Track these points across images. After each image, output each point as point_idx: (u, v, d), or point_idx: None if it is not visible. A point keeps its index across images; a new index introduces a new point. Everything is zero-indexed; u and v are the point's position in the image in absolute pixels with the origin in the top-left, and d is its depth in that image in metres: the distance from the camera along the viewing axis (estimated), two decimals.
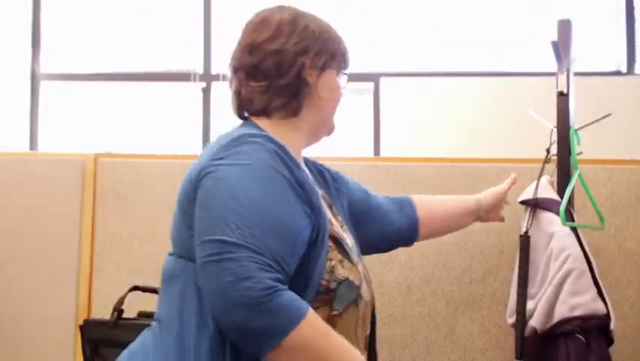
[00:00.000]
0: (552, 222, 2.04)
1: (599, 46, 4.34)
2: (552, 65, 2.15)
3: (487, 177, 2.43)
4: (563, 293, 1.96)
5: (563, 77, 2.12)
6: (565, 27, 2.13)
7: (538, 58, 4.14)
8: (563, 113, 2.13)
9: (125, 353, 1.42)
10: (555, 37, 2.13)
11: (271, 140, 1.35)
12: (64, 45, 4.68)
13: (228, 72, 1.57)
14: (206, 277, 1.22)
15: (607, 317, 1.96)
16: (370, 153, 4.31)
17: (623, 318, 2.33)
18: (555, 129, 2.14)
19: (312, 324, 1.24)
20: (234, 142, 1.33)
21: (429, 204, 1.90)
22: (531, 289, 2.08)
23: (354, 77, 4.88)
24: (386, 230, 1.78)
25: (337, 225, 1.52)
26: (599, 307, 1.95)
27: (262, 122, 1.47)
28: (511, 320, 2.12)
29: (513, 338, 2.34)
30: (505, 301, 2.23)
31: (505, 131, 4.03)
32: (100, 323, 2.21)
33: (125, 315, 2.19)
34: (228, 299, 1.18)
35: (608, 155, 2.54)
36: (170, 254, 1.45)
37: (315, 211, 1.35)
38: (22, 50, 4.57)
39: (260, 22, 1.50)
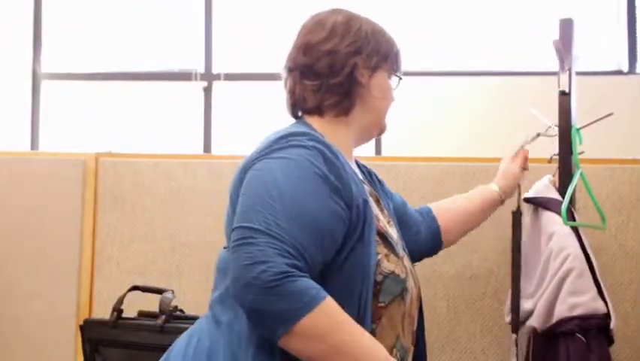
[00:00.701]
0: (553, 222, 2.04)
1: (601, 45, 4.33)
2: (554, 65, 2.15)
3: (488, 177, 2.43)
4: (563, 293, 1.96)
5: (564, 77, 2.12)
6: (566, 26, 2.13)
7: (539, 57, 4.13)
8: (565, 112, 2.12)
9: (183, 335, 1.47)
10: (557, 37, 2.13)
11: (315, 138, 1.39)
12: (66, 44, 4.68)
13: (283, 73, 1.61)
14: (231, 260, 1.27)
15: (607, 316, 1.96)
16: (372, 153, 4.31)
17: (624, 318, 2.33)
18: (554, 127, 2.13)
19: (328, 313, 1.24)
20: (280, 139, 1.39)
21: (447, 210, 1.93)
22: (529, 288, 2.08)
23: None
24: (416, 239, 1.81)
25: (384, 220, 1.55)
26: (599, 306, 1.95)
27: (314, 121, 1.52)
28: (509, 318, 2.12)
29: None
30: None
31: (506, 131, 4.01)
32: (99, 323, 2.21)
33: (125, 315, 2.19)
34: (242, 281, 1.22)
35: (610, 154, 2.53)
36: (225, 248, 1.48)
37: (354, 208, 1.38)
38: (24, 50, 4.57)
39: (315, 24, 1.56)
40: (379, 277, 1.41)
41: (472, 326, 2.42)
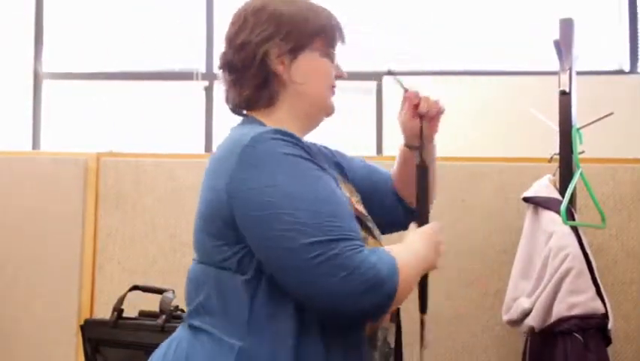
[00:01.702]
0: (552, 221, 2.04)
1: (601, 44, 4.33)
2: (554, 64, 2.15)
3: (489, 176, 2.44)
4: (562, 292, 1.96)
5: (565, 76, 2.12)
6: (567, 26, 2.13)
7: (540, 57, 4.13)
8: (565, 112, 2.12)
9: (162, 344, 1.46)
10: (557, 36, 2.13)
11: (280, 131, 1.34)
12: (67, 44, 4.68)
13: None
14: (316, 280, 1.24)
15: (605, 316, 1.96)
16: (373, 152, 4.31)
17: (625, 318, 2.33)
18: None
19: (401, 264, 1.30)
20: (250, 147, 1.32)
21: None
22: (528, 287, 2.08)
23: (357, 76, 4.86)
24: (388, 209, 1.77)
25: (355, 201, 1.53)
26: (597, 306, 1.95)
27: (255, 115, 1.49)
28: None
29: (516, 337, 2.34)
30: None
31: (506, 131, 4.02)
32: (100, 323, 2.21)
33: (126, 314, 2.20)
34: (351, 292, 1.23)
35: (611, 154, 2.53)
36: (194, 259, 1.45)
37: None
38: (25, 49, 4.57)
39: (234, 16, 1.51)
40: None
41: (473, 325, 2.42)
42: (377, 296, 1.25)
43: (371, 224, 1.51)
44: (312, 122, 1.56)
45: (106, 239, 2.66)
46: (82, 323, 2.25)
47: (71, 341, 2.61)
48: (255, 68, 1.44)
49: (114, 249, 2.64)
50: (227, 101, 1.53)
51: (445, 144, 4.07)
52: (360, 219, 1.44)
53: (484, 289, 2.42)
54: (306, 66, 1.47)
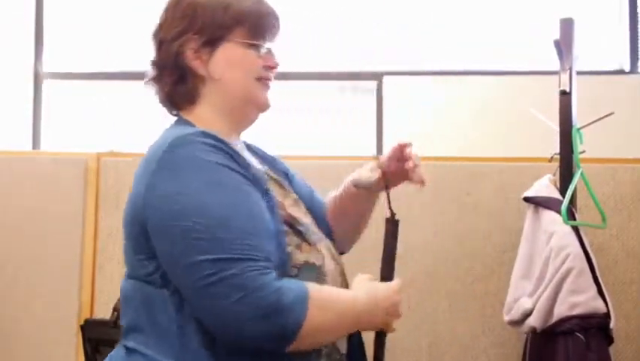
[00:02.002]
0: (553, 221, 2.04)
1: (602, 44, 4.33)
2: (554, 64, 2.15)
3: (489, 176, 2.44)
4: (563, 292, 1.96)
5: (565, 76, 2.12)
6: (567, 26, 2.13)
7: (540, 57, 4.13)
8: (566, 112, 2.12)
9: None
10: (557, 36, 2.13)
11: (204, 134, 1.27)
12: (67, 44, 4.68)
13: None
14: (210, 300, 1.17)
15: (607, 315, 1.96)
16: (373, 152, 4.31)
17: (625, 317, 2.33)
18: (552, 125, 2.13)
19: (316, 302, 1.21)
20: (168, 152, 1.25)
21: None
22: (529, 287, 2.08)
23: (357, 76, 4.87)
24: None
25: (289, 203, 1.44)
26: (598, 305, 1.95)
27: (183, 114, 1.42)
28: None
29: (516, 337, 2.34)
30: None
31: (507, 131, 4.02)
32: (100, 323, 2.22)
33: None
34: (244, 316, 1.15)
35: (611, 154, 2.53)
36: (132, 278, 1.35)
37: (265, 197, 1.31)
38: (25, 49, 4.57)
39: (161, 12, 1.45)
40: (294, 271, 1.30)
41: (474, 325, 2.42)
42: (274, 325, 1.16)
43: (304, 228, 1.39)
44: (242, 119, 1.45)
45: (106, 239, 2.66)
46: (82, 322, 2.26)
47: (71, 341, 2.61)
48: (171, 65, 1.38)
49: (114, 249, 2.64)
50: (161, 102, 1.46)
51: (445, 144, 4.10)
52: (290, 224, 1.35)
53: (484, 289, 2.42)
54: (223, 59, 1.38)
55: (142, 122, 4.54)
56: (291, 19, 4.93)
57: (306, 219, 1.43)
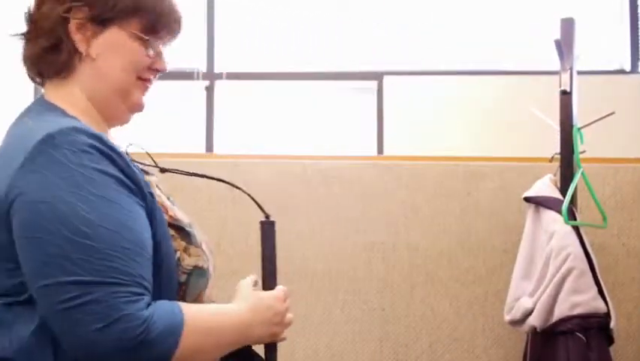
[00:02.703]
0: (553, 221, 2.04)
1: (603, 44, 4.33)
2: (555, 64, 2.15)
3: (490, 176, 2.44)
4: (564, 292, 1.96)
5: (566, 76, 2.12)
6: (568, 26, 2.13)
7: (541, 57, 4.13)
8: (566, 111, 2.12)
9: None
10: (558, 36, 2.13)
11: (80, 130, 1.12)
12: None
13: None
14: (68, 326, 1.03)
15: (607, 315, 1.96)
16: (374, 152, 4.31)
17: (626, 317, 2.33)
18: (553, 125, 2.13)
19: (191, 328, 1.11)
20: (38, 150, 1.09)
21: None
22: (530, 287, 2.08)
23: (357, 76, 4.86)
24: None
25: (169, 204, 1.33)
26: (599, 305, 1.95)
27: (52, 90, 1.27)
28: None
29: (517, 337, 2.34)
30: None
31: (507, 130, 4.02)
32: None
33: None
34: (104, 347, 1.02)
35: (612, 153, 2.53)
36: None
37: (148, 202, 1.18)
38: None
39: None
40: (183, 278, 1.22)
41: (474, 325, 2.42)
42: (139, 359, 1.04)
43: (190, 230, 1.28)
44: (110, 113, 1.30)
45: None
46: None
47: None
48: (49, 27, 1.24)
49: None
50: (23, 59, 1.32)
51: (445, 143, 4.11)
52: (176, 227, 1.25)
53: (484, 289, 2.42)
54: (109, 43, 1.24)
55: (142, 122, 4.54)
56: (291, 19, 4.95)
57: (186, 219, 1.32)
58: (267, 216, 1.43)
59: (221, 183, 1.50)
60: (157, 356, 1.06)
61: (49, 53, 1.25)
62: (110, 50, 1.25)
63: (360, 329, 2.46)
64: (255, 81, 4.53)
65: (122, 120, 1.34)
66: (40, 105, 1.26)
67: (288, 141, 4.40)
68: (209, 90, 4.51)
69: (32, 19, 1.28)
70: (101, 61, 1.24)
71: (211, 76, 4.50)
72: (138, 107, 1.33)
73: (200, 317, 1.15)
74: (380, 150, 4.30)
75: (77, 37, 1.23)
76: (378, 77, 4.38)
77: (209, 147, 4.37)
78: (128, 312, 1.03)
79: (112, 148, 1.14)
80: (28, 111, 1.26)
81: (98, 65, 1.24)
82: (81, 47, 1.23)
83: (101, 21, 1.23)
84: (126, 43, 1.25)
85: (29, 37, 1.29)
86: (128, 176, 1.14)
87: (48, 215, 1.05)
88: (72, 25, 1.23)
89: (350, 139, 4.43)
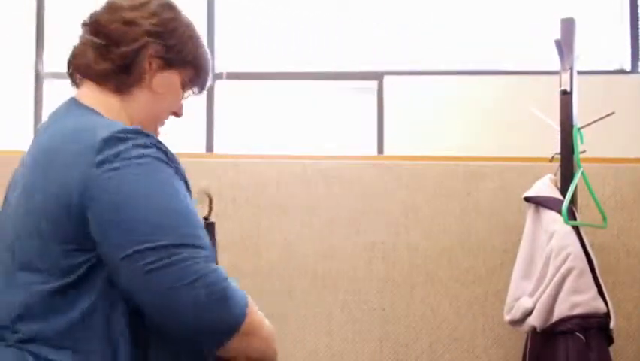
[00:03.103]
0: (553, 221, 2.04)
1: (603, 44, 4.33)
2: (555, 64, 2.15)
3: (490, 176, 2.44)
4: (563, 292, 1.96)
5: (566, 76, 2.12)
6: (568, 26, 2.13)
7: (541, 56, 4.13)
8: (566, 111, 2.12)
9: None
10: (558, 36, 2.13)
11: (139, 131, 1.26)
12: (68, 44, 4.68)
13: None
14: (162, 283, 1.15)
15: (607, 315, 1.96)
16: (374, 152, 4.31)
17: (627, 317, 2.33)
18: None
19: (252, 309, 1.22)
20: (108, 145, 1.21)
21: None
22: (529, 287, 2.08)
23: (357, 76, 4.85)
24: None
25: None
26: (599, 305, 1.95)
27: (89, 94, 1.39)
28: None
29: (517, 337, 2.34)
30: None
31: (507, 130, 4.03)
32: None
33: None
34: (198, 298, 1.14)
35: (612, 153, 2.53)
36: (39, 283, 1.22)
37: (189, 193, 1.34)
38: (26, 49, 4.57)
39: None
40: None
41: (474, 325, 2.42)
42: (224, 311, 1.16)
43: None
44: None
45: None
46: None
47: None
48: (127, 49, 1.38)
49: None
50: (74, 61, 1.44)
51: (445, 143, 4.10)
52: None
53: (485, 289, 2.42)
54: (166, 81, 1.43)
55: None
56: (291, 19, 4.95)
57: None
58: (206, 218, 1.50)
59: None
60: (237, 312, 1.17)
61: (119, 72, 1.38)
62: (166, 87, 1.44)
63: (360, 328, 2.46)
64: (256, 81, 4.53)
65: None
66: (78, 107, 1.38)
67: (288, 141, 4.40)
68: (210, 90, 4.50)
69: (112, 37, 1.40)
70: (157, 94, 1.42)
71: (212, 76, 4.49)
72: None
73: (254, 307, 1.23)
74: (380, 149, 4.30)
75: (146, 67, 1.39)
76: (378, 77, 4.39)
77: (210, 147, 4.38)
78: (212, 269, 1.17)
79: (166, 147, 1.29)
80: (67, 111, 1.38)
81: (153, 96, 1.42)
82: (147, 76, 1.40)
83: (168, 61, 1.42)
84: (177, 86, 1.46)
85: (103, 51, 1.40)
86: (178, 170, 1.29)
87: (135, 197, 1.19)
88: (147, 56, 1.39)
89: (350, 139, 4.43)
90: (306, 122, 4.48)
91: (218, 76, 4.49)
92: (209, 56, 1.54)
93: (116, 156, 1.21)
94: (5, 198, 1.40)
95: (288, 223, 2.50)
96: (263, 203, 2.51)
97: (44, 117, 4.19)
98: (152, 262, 1.14)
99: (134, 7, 1.42)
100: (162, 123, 1.52)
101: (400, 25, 4.50)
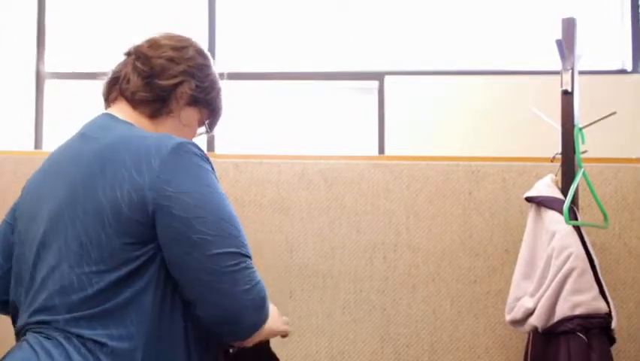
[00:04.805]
0: (555, 221, 2.03)
1: (604, 44, 4.33)
2: (556, 64, 2.14)
3: (491, 176, 2.44)
4: (565, 292, 1.96)
5: (567, 76, 2.12)
6: (569, 25, 2.13)
7: (542, 56, 4.13)
8: (568, 111, 2.12)
9: None
10: (559, 36, 2.12)
11: (195, 145, 1.46)
12: (69, 44, 4.69)
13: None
14: (226, 284, 1.35)
15: (608, 315, 1.96)
16: (375, 152, 4.31)
17: (628, 317, 2.33)
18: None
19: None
20: (175, 154, 1.41)
21: None
22: (530, 287, 2.08)
23: (358, 76, 4.86)
24: None
25: None
26: (600, 305, 1.95)
27: (125, 115, 1.59)
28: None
29: (518, 337, 2.34)
30: None
31: (509, 130, 4.03)
32: None
33: None
34: (249, 303, 1.37)
35: (613, 153, 2.53)
36: (101, 271, 1.36)
37: None
38: (27, 49, 4.58)
39: (180, 39, 1.68)
40: None
41: (475, 325, 2.42)
42: (260, 316, 1.40)
43: None
44: None
45: None
46: None
47: None
48: (167, 83, 1.59)
49: None
50: (122, 84, 1.62)
51: (446, 143, 4.10)
52: None
53: (486, 288, 2.42)
54: (189, 115, 1.65)
55: None
56: (292, 19, 4.96)
57: None
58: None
59: None
60: (265, 316, 1.42)
61: (157, 101, 1.59)
62: (189, 120, 1.66)
63: (361, 329, 2.46)
64: (256, 81, 4.54)
65: None
66: (122, 122, 1.56)
67: (289, 141, 4.41)
68: None
69: (155, 70, 1.60)
70: (181, 124, 1.64)
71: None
72: None
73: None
74: (381, 149, 4.30)
75: (175, 101, 1.61)
76: (379, 77, 4.39)
77: (210, 147, 4.38)
78: (259, 278, 1.40)
79: (210, 160, 1.48)
80: (114, 122, 1.56)
81: (178, 125, 1.63)
82: (176, 109, 1.62)
83: (195, 99, 1.64)
84: (195, 122, 1.68)
85: (148, 81, 1.60)
86: (216, 176, 1.49)
87: (203, 202, 1.38)
88: (179, 93, 1.61)
89: (351, 139, 4.43)
90: (307, 122, 4.48)
91: (219, 76, 4.49)
92: (223, 104, 1.76)
93: (181, 164, 1.40)
94: (25, 200, 1.61)
95: (288, 223, 2.50)
96: (264, 203, 2.51)
97: (45, 117, 4.18)
98: (226, 266, 1.35)
99: (175, 48, 1.62)
100: None
101: (401, 25, 4.50)
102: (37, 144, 4.58)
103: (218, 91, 1.71)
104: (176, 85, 1.60)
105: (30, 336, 1.37)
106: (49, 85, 4.61)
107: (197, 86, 1.63)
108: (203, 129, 1.73)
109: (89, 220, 1.37)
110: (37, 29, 4.63)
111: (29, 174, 2.70)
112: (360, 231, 2.47)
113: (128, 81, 1.60)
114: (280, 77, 4.49)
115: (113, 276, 1.35)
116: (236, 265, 1.36)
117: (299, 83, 4.49)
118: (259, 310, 1.39)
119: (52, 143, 4.54)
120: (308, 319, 2.47)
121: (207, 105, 1.68)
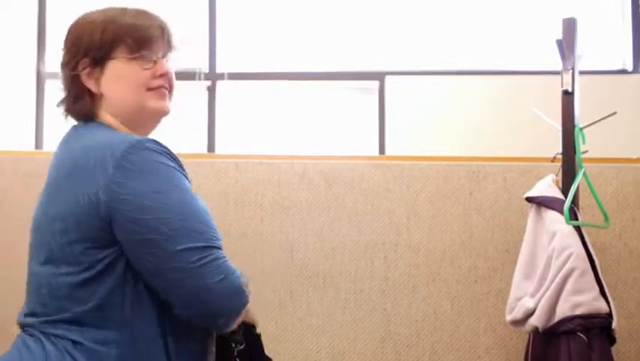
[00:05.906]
0: (555, 221, 2.03)
1: (605, 44, 4.33)
2: (557, 64, 2.14)
3: (492, 176, 2.44)
4: (565, 292, 1.96)
5: (567, 76, 2.12)
6: (570, 25, 2.13)
7: (543, 56, 4.13)
8: (568, 111, 2.12)
9: None
10: (560, 36, 2.12)
11: (154, 141, 1.41)
12: None
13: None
14: (200, 280, 1.34)
15: (609, 315, 1.96)
16: (375, 152, 4.31)
17: (628, 317, 2.33)
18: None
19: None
20: (129, 154, 1.36)
21: None
22: (531, 287, 2.08)
23: (359, 76, 4.86)
24: None
25: None
26: (601, 306, 1.95)
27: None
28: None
29: (518, 337, 2.34)
30: None
31: (509, 130, 4.03)
32: None
33: None
34: (225, 293, 1.35)
35: (614, 153, 2.53)
36: (70, 273, 1.40)
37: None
38: (28, 49, 4.58)
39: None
40: None
41: (476, 325, 2.42)
42: (239, 303, 1.38)
43: None
44: (143, 127, 1.57)
45: None
46: None
47: None
48: (68, 86, 1.52)
49: None
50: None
51: (447, 143, 4.10)
52: None
53: (486, 289, 2.42)
54: (111, 76, 1.50)
55: None
56: (292, 19, 4.96)
57: None
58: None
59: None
60: (245, 301, 1.40)
61: (75, 105, 1.52)
62: (114, 81, 1.50)
63: (361, 329, 2.46)
64: (257, 81, 4.54)
65: (152, 127, 1.61)
66: (92, 124, 1.52)
67: (289, 141, 4.41)
68: (211, 90, 4.51)
69: (64, 87, 1.54)
70: (111, 92, 1.50)
71: (213, 76, 4.50)
72: (162, 112, 1.59)
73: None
74: (382, 149, 4.30)
75: (90, 83, 1.50)
76: (379, 77, 4.39)
77: (211, 147, 4.38)
78: (233, 267, 1.37)
79: (175, 155, 1.43)
80: (85, 129, 1.51)
81: (112, 98, 1.50)
82: (95, 89, 1.50)
83: (98, 61, 1.49)
84: (124, 68, 1.50)
85: (64, 100, 1.54)
86: (183, 172, 1.43)
87: (162, 201, 1.34)
88: (83, 76, 1.50)
89: (351, 139, 4.43)
90: (307, 122, 4.48)
91: (219, 76, 4.49)
92: (127, 12, 1.55)
93: (137, 164, 1.35)
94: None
95: (289, 223, 2.50)
96: (264, 203, 2.51)
97: (45, 117, 4.19)
98: (193, 261, 1.32)
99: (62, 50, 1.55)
100: (158, 95, 1.56)
101: (402, 25, 4.50)
102: (38, 143, 4.58)
103: (95, 29, 1.51)
104: (74, 77, 1.51)
105: (18, 337, 1.47)
106: (49, 85, 4.61)
107: (85, 55, 1.50)
108: (150, 55, 1.53)
109: (56, 226, 1.40)
110: (38, 29, 4.63)
111: (29, 174, 2.71)
112: (360, 231, 2.47)
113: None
114: (280, 77, 4.49)
115: (79, 279, 1.37)
116: (203, 258, 1.33)
117: (299, 83, 4.49)
118: (238, 298, 1.37)
119: (52, 143, 4.54)
120: (308, 319, 2.47)
121: (113, 47, 1.49)
